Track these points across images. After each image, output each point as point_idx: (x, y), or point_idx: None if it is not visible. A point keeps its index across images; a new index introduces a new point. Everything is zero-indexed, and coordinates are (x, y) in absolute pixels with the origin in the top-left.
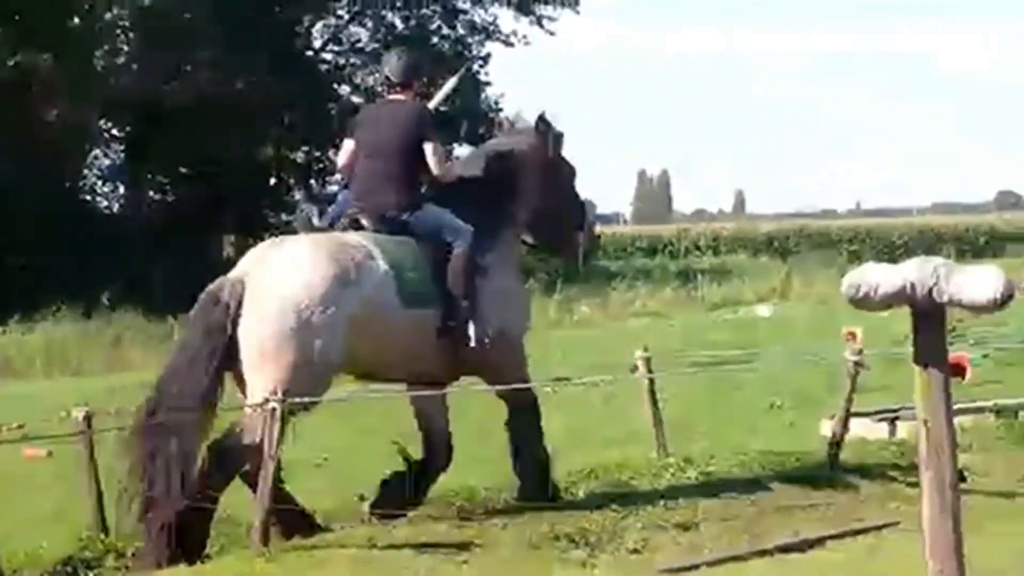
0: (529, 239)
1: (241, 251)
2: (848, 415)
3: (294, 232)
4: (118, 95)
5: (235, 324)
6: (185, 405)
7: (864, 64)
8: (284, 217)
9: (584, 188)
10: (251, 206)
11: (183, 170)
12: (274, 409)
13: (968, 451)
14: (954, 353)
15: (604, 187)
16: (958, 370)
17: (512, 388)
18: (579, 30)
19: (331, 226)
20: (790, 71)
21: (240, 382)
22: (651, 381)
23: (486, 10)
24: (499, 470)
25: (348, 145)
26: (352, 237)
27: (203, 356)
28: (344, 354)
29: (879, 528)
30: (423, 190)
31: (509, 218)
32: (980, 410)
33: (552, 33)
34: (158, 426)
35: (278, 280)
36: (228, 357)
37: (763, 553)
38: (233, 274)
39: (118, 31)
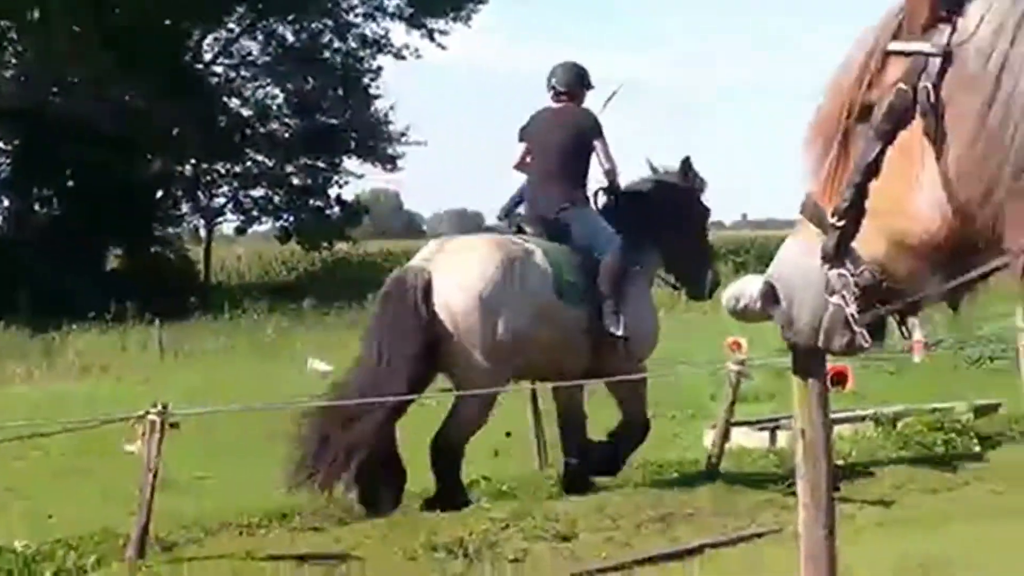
0: (662, 270)
1: (127, 265)
2: (729, 424)
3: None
4: (4, 106)
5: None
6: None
7: None
8: (172, 230)
9: (472, 199)
10: (138, 220)
11: (69, 184)
12: (153, 422)
13: (848, 460)
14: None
15: (492, 198)
16: (840, 379)
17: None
18: (471, 43)
19: (506, 216)
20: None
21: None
22: (533, 391)
23: (378, 24)
24: None
25: (520, 148)
26: (517, 238)
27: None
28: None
29: (757, 536)
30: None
31: (656, 244)
32: (860, 418)
33: (443, 47)
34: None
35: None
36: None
37: (643, 562)
38: (413, 266)
39: (4, 42)
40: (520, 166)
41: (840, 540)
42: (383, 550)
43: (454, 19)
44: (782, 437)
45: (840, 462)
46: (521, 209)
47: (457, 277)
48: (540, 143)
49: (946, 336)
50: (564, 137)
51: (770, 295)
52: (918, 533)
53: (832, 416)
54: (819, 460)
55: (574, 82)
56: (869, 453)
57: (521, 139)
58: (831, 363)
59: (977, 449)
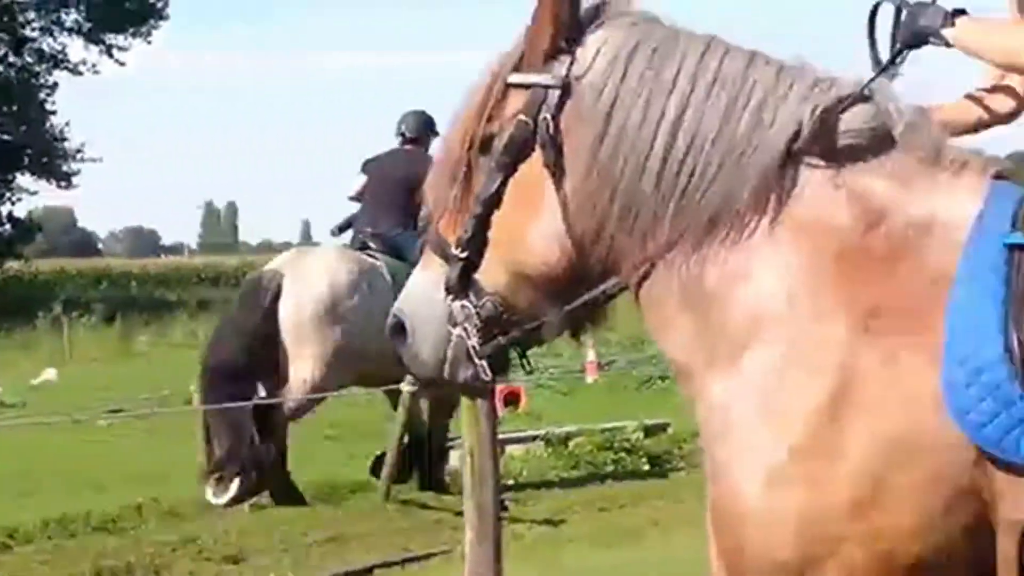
0: None
1: None
2: (401, 445)
3: None
4: None
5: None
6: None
7: None
8: None
9: (149, 217)
10: None
11: None
12: None
13: (519, 479)
14: (508, 385)
15: (169, 217)
16: (513, 399)
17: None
18: (151, 60)
19: (339, 232)
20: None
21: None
22: (204, 413)
23: (55, 39)
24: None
25: (361, 179)
26: (364, 254)
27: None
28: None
29: (427, 557)
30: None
31: None
32: (532, 438)
33: (123, 64)
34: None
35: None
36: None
37: None
38: (270, 268)
39: None
40: (358, 195)
41: (508, 558)
42: (50, 574)
43: (134, 35)
44: (454, 457)
45: (511, 481)
46: (348, 234)
47: (307, 283)
48: (385, 177)
49: (619, 356)
50: (408, 174)
51: (398, 328)
52: (586, 550)
53: (503, 436)
54: (486, 480)
55: (422, 129)
56: (540, 472)
57: (363, 171)
58: (505, 384)
59: (646, 468)
